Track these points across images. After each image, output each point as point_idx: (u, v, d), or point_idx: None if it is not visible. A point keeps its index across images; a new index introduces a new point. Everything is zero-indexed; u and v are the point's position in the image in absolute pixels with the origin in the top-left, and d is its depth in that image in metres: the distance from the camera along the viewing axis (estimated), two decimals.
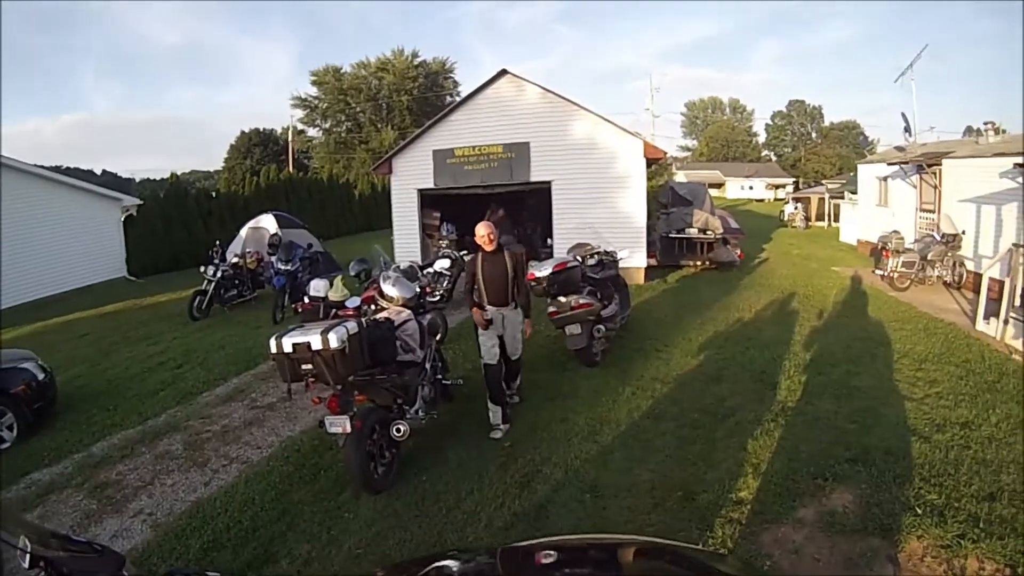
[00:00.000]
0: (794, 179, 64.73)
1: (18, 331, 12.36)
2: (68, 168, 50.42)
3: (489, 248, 6.26)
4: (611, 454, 5.70)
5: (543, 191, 14.78)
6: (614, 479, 5.22)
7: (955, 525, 4.21)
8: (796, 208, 32.44)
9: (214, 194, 28.23)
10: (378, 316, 6.16)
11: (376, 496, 5.10)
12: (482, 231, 6.26)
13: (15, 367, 7.20)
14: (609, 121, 14.41)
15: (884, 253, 13.50)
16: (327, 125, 52.90)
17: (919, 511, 4.40)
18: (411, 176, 15.41)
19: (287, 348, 4.88)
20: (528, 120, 14.49)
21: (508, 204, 16.52)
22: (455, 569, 2.01)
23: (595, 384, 7.55)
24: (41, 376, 7.39)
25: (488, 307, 6.36)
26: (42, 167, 18.92)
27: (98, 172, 65.78)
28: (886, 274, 13.12)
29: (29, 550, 1.49)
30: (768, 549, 4.16)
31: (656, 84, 65.27)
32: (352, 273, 10.14)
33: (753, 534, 4.33)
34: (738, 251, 16.84)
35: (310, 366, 4.89)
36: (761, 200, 60.11)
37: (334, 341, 4.78)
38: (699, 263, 16.14)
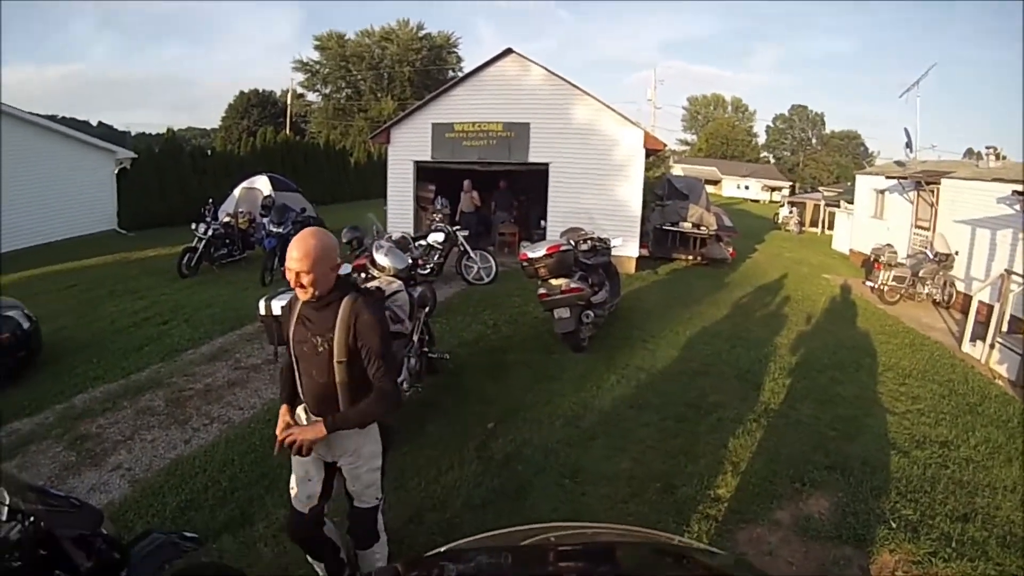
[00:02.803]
0: (791, 183, 64.70)
1: (5, 279, 12.11)
2: (64, 118, 49.31)
3: (304, 295, 2.90)
4: (593, 440, 5.69)
5: (539, 172, 14.71)
6: (595, 466, 5.22)
7: (928, 542, 4.23)
8: (791, 212, 32.41)
9: (209, 152, 27.87)
10: (368, 285, 6.08)
11: None
12: (295, 252, 2.79)
13: (0, 315, 7.08)
14: (611, 108, 14.31)
15: (876, 265, 13.49)
16: (327, 91, 51.99)
17: (893, 524, 4.42)
18: (408, 147, 15.30)
19: (276, 311, 4.86)
20: (530, 101, 14.39)
21: (500, 183, 16.47)
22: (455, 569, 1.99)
23: (581, 369, 7.54)
24: (26, 325, 7.27)
25: (301, 412, 3.20)
26: (37, 115, 18.37)
27: (94, 124, 64.46)
28: (876, 286, 13.12)
29: (7, 503, 1.44)
30: (743, 548, 4.18)
31: (659, 76, 64.80)
32: (344, 240, 10.01)
33: (729, 532, 4.34)
34: (730, 249, 16.82)
35: None
36: (756, 201, 60.08)
37: None
38: (691, 258, 16.10)
